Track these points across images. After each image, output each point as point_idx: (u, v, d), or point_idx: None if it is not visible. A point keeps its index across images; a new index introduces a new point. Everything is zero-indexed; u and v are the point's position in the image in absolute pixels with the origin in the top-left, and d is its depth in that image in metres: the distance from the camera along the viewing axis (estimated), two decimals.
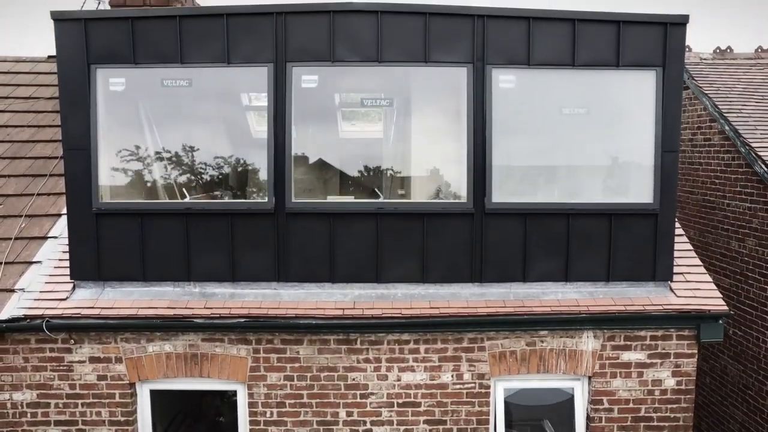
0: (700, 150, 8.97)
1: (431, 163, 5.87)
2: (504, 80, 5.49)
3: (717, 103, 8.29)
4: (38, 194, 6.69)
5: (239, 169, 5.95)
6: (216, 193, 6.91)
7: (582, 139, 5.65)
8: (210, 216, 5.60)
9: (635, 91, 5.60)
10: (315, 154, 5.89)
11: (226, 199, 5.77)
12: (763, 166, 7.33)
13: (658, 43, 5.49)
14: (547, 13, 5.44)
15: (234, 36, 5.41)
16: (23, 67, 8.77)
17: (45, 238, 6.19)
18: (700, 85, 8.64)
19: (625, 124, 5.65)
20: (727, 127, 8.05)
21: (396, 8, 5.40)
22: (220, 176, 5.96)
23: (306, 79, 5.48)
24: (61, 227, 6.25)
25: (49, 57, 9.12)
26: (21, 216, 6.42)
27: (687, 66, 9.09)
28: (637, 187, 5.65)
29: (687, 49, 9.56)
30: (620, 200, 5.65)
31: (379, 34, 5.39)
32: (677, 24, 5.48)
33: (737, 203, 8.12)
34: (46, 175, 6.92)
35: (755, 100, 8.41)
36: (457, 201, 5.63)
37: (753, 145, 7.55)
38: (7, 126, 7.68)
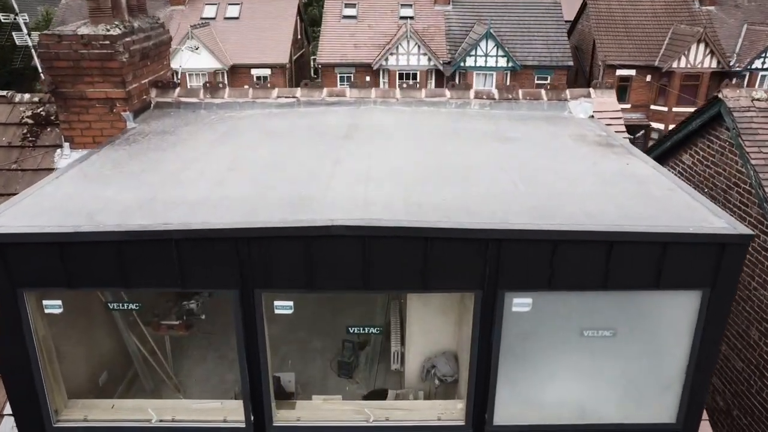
0: (733, 210, 7.97)
1: (430, 380, 5.13)
2: (518, 303, 4.57)
3: (763, 181, 7.17)
4: None
5: None
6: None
7: (603, 361, 4.85)
8: None
9: (673, 312, 4.70)
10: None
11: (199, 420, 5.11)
12: None
13: (711, 264, 4.48)
14: (579, 235, 4.35)
15: (188, 260, 4.38)
16: None
17: None
18: (747, 149, 7.42)
19: (655, 344, 4.82)
20: None
21: (386, 232, 4.29)
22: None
23: (279, 305, 4.56)
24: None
25: None
26: None
27: (732, 110, 7.76)
28: (660, 407, 4.99)
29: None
30: (640, 420, 5.02)
31: (366, 262, 4.36)
32: (737, 244, 4.42)
33: (765, 293, 7.38)
34: None
35: None
36: (454, 423, 5.00)
37: None
38: None
